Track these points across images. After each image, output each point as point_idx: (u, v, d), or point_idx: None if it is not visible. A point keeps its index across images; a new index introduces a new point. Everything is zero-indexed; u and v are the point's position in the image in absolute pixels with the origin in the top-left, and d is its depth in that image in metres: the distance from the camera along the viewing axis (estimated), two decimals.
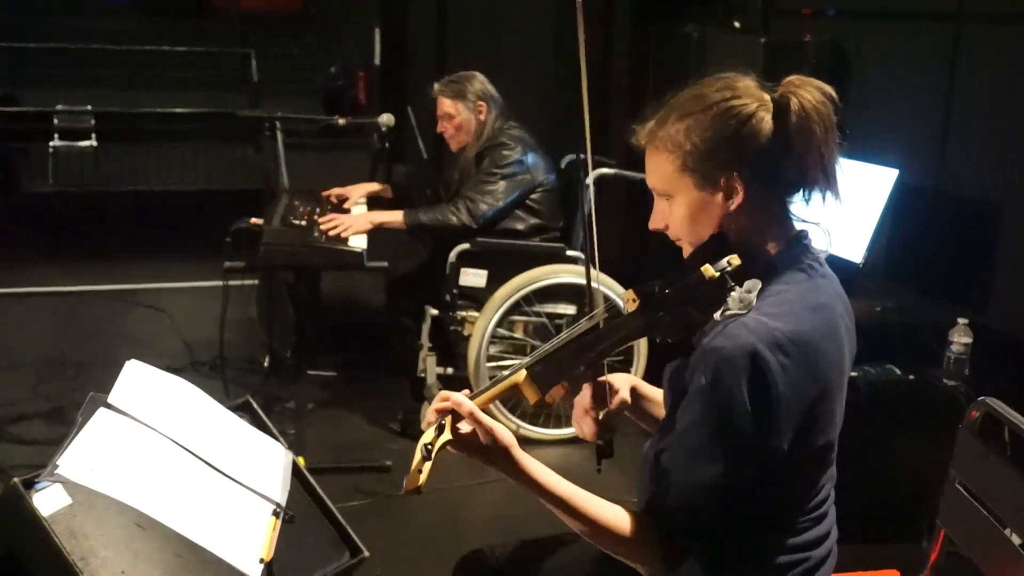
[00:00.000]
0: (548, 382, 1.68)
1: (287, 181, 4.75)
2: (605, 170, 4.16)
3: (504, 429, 1.65)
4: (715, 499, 1.63)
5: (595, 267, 1.95)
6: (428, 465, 1.55)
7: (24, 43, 11.30)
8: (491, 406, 1.76)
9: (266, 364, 4.53)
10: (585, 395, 1.89)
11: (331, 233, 4.00)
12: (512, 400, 3.62)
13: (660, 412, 1.94)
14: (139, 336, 5.35)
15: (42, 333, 5.46)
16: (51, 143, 8.94)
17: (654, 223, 1.80)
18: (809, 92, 1.67)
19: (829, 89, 1.69)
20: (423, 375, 4.17)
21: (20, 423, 4.22)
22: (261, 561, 1.85)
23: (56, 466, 1.81)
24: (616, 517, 1.66)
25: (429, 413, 1.67)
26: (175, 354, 4.95)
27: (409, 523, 3.59)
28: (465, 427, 1.65)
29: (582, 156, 4.32)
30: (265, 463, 2.13)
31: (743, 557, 1.73)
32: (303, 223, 3.98)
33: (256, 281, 4.83)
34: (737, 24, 5.04)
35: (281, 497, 2.02)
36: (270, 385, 4.32)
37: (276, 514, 1.96)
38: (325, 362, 4.73)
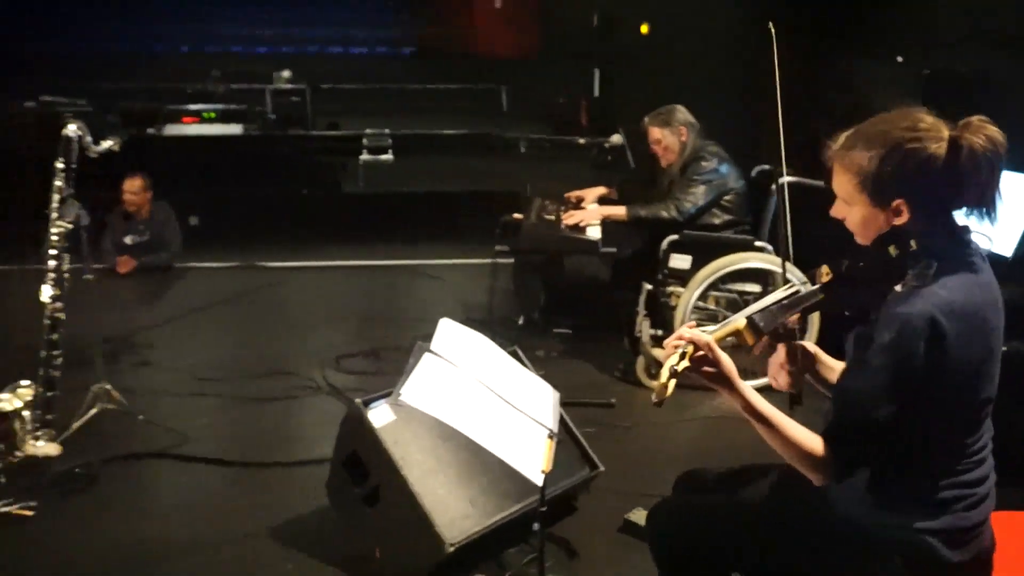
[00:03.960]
0: (760, 330, 1.68)
1: (529, 184, 4.82)
2: (789, 178, 4.02)
3: (729, 359, 1.64)
4: (887, 434, 1.58)
5: (786, 257, 1.92)
6: (673, 382, 1.56)
7: (345, 84, 11.95)
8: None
9: (520, 322, 4.64)
10: (780, 353, 1.87)
11: (572, 224, 4.07)
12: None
13: (833, 377, 1.88)
14: (426, 298, 5.55)
15: (358, 295, 5.73)
16: (361, 157, 9.37)
17: (835, 212, 1.75)
18: (982, 137, 1.57)
19: (1000, 137, 1.59)
20: (639, 335, 4.17)
21: (348, 359, 4.43)
22: (542, 472, 1.89)
23: (399, 394, 1.89)
24: (805, 435, 1.63)
25: (669, 344, 1.68)
26: (452, 313, 5.09)
27: (631, 448, 3.58)
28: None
29: (771, 167, 4.21)
30: (539, 397, 2.18)
31: (908, 486, 1.66)
32: (552, 218, 4.05)
33: (513, 260, 4.94)
34: (900, 58, 4.70)
35: (553, 424, 2.06)
36: (523, 338, 4.43)
37: (551, 436, 1.99)
38: (564, 322, 4.75)
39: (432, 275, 6.02)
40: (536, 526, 1.94)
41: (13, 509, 2.95)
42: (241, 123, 9.34)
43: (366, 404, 2.70)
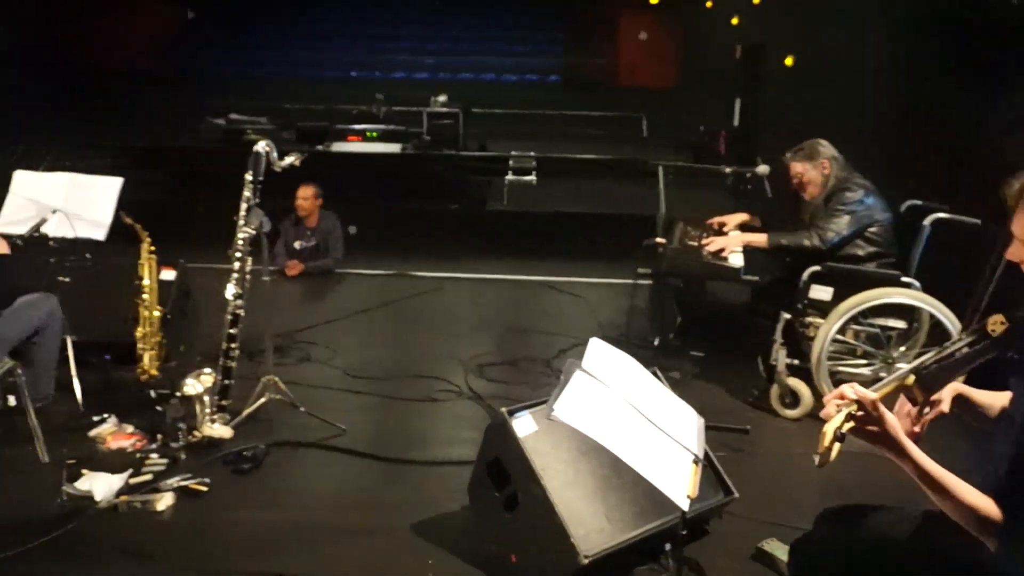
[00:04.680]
0: (930, 388, 1.54)
1: (666, 209, 4.71)
2: (942, 215, 3.76)
3: (895, 419, 1.52)
4: None
5: (975, 309, 1.77)
6: (838, 446, 1.45)
7: (495, 109, 12.16)
8: None
9: (656, 343, 4.53)
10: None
11: (714, 251, 3.95)
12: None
13: (990, 411, 1.72)
14: (564, 314, 5.50)
15: (500, 307, 5.73)
16: (507, 177, 9.49)
17: (1011, 255, 1.60)
18: None
19: None
20: (774, 363, 3.98)
21: (490, 367, 4.44)
22: (688, 497, 1.82)
23: (552, 409, 1.87)
24: (978, 499, 1.49)
25: (830, 401, 1.56)
26: (589, 330, 5.04)
27: (764, 475, 3.40)
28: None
29: (923, 203, 3.96)
30: (684, 421, 2.11)
31: None
32: (695, 243, 3.94)
33: (651, 282, 4.83)
34: None
35: (698, 449, 1.98)
36: (659, 359, 4.33)
37: (696, 462, 1.92)
38: (699, 345, 4.61)
39: (570, 292, 5.98)
40: (669, 546, 1.87)
41: (191, 483, 3.12)
42: (399, 142, 9.63)
43: (511, 414, 2.69)
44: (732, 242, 4.05)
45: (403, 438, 3.65)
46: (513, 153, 9.86)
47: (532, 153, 9.86)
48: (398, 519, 2.97)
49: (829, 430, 1.47)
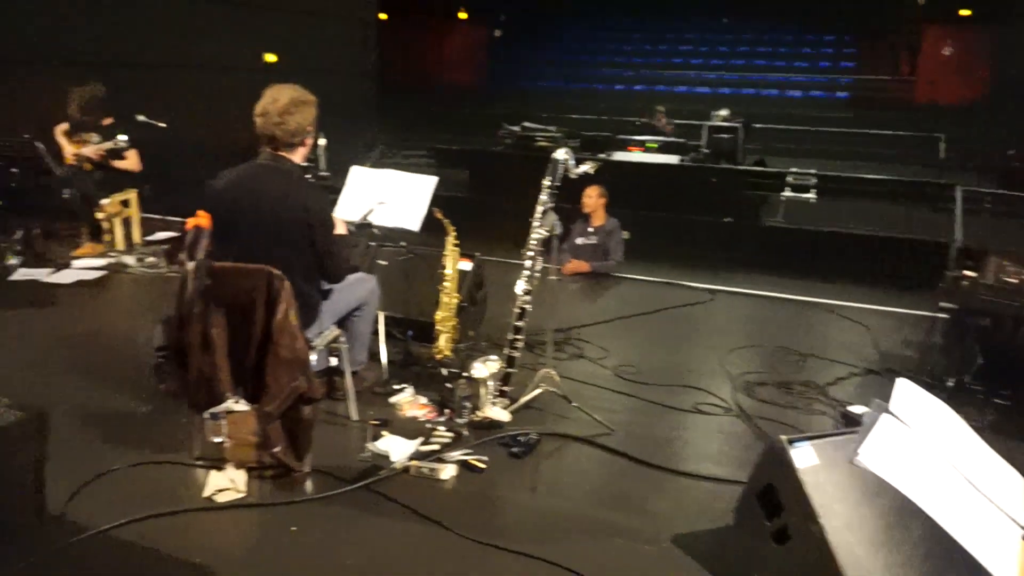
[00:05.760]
0: None
1: (961, 238, 4.06)
2: None
3: None
4: None
5: None
6: None
7: (776, 125, 11.50)
8: None
9: (949, 384, 3.95)
10: None
11: None
12: None
13: None
14: (842, 340, 5.00)
15: (773, 325, 5.35)
16: (784, 193, 8.94)
17: None
18: None
19: None
20: None
21: (760, 387, 4.13)
22: None
23: (856, 453, 1.63)
24: None
25: None
26: (870, 360, 4.56)
27: None
28: None
29: None
30: (1008, 485, 1.75)
31: None
32: (1015, 280, 3.36)
33: (948, 316, 4.22)
34: None
35: None
36: (952, 402, 3.78)
37: None
38: (1001, 392, 3.93)
39: (848, 317, 5.43)
40: None
41: (471, 458, 3.22)
42: (678, 154, 9.44)
43: (790, 442, 2.44)
44: None
45: (668, 446, 3.49)
46: (792, 170, 9.27)
47: (813, 171, 9.20)
48: (661, 528, 2.83)
49: None
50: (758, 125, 10.92)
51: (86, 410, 3.49)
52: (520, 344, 3.63)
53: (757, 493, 2.56)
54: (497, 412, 3.54)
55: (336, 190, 4.19)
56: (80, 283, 5.48)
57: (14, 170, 6.66)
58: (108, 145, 6.01)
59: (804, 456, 2.45)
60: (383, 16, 15.12)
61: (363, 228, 4.03)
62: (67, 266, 5.80)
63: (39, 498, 2.64)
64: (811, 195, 8.85)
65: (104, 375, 3.87)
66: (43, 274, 5.59)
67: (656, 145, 9.66)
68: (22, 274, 5.58)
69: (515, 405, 3.63)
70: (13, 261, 5.75)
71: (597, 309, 5.42)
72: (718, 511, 2.86)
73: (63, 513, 2.69)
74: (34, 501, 2.62)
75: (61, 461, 2.75)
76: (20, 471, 2.58)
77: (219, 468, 3.00)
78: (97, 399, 3.62)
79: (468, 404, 3.53)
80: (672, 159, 9.33)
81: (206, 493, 2.87)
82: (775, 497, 2.48)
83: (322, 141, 8.29)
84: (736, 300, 5.89)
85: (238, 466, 3.01)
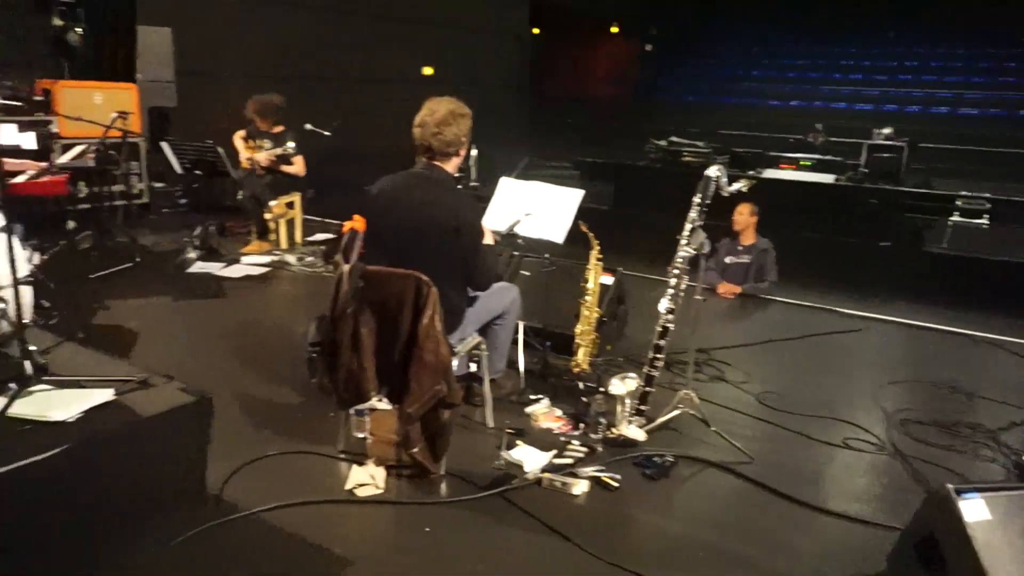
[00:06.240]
0: None
1: None
2: None
3: None
4: None
5: None
6: None
7: (945, 144, 10.68)
8: None
9: None
10: None
11: None
12: None
13: None
14: (1011, 380, 4.53)
15: (932, 358, 4.92)
16: (951, 218, 8.26)
17: None
18: None
19: None
20: None
21: (916, 425, 3.79)
22: None
23: None
24: None
25: None
26: None
27: None
28: None
29: None
30: None
31: None
32: None
33: None
34: None
35: None
36: None
37: None
38: None
39: (1023, 355, 4.92)
40: None
41: (604, 476, 3.15)
42: (834, 173, 8.96)
43: (958, 492, 2.22)
44: None
45: (812, 481, 3.28)
46: (962, 193, 8.53)
47: (987, 195, 8.42)
48: (800, 568, 2.65)
49: None
50: (926, 144, 10.16)
51: (245, 396, 3.72)
52: (660, 363, 3.53)
53: (916, 543, 2.35)
54: (633, 431, 3.46)
55: (485, 200, 4.25)
56: (247, 278, 5.88)
57: (198, 172, 7.26)
58: (279, 151, 6.42)
59: (974, 509, 2.22)
60: (536, 31, 15.34)
61: (509, 238, 4.06)
62: (237, 262, 6.24)
63: (201, 477, 2.82)
64: (983, 220, 8.11)
65: (262, 365, 4.11)
66: (216, 268, 6.04)
67: (810, 163, 9.22)
68: (198, 267, 6.06)
69: (651, 425, 3.53)
70: (191, 255, 6.26)
71: (740, 331, 5.20)
72: (865, 557, 2.65)
73: (220, 492, 2.86)
74: (197, 479, 2.81)
75: (220, 444, 2.93)
76: (187, 450, 2.77)
77: (360, 463, 3.10)
78: (255, 387, 3.85)
79: (603, 420, 3.46)
80: (827, 178, 8.87)
81: (348, 486, 2.97)
82: (936, 550, 2.26)
83: (474, 152, 8.49)
84: (892, 329, 5.48)
85: (378, 463, 3.10)
